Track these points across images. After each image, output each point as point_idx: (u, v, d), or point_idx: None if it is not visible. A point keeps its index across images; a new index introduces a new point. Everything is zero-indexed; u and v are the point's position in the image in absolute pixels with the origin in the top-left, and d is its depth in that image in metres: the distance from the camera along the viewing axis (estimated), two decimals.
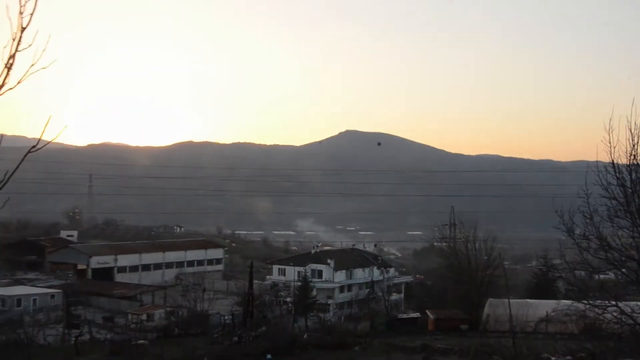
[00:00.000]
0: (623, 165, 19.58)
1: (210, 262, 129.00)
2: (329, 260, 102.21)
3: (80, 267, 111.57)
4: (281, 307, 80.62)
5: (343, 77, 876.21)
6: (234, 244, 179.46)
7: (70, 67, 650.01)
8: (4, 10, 7.48)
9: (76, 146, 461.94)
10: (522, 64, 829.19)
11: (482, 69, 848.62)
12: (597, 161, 19.89)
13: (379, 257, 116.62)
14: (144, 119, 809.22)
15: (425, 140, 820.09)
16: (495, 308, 64.43)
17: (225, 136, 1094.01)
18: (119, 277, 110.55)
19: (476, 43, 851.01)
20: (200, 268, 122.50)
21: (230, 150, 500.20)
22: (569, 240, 20.92)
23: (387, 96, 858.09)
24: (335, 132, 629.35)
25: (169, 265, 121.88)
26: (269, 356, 47.42)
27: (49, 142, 7.99)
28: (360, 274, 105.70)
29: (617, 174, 19.49)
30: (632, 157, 19.26)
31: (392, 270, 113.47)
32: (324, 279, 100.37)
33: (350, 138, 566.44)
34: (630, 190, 19.55)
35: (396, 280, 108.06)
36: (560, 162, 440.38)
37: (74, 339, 58.12)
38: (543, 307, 62.56)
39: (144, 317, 76.93)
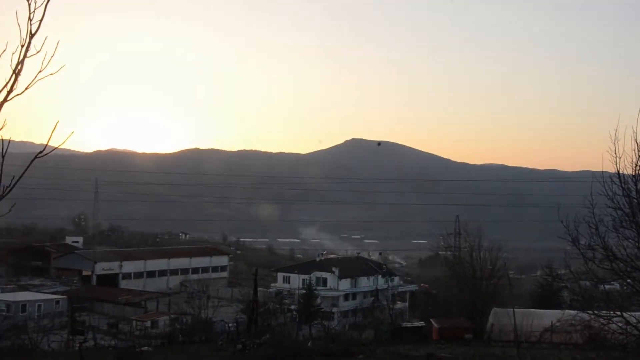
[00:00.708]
0: (629, 175, 19.58)
1: (215, 269, 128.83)
2: (333, 268, 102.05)
3: (85, 273, 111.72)
4: (285, 315, 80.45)
5: (349, 85, 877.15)
6: (238, 251, 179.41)
7: (78, 73, 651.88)
8: (13, 17, 7.51)
9: (82, 152, 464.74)
10: (528, 73, 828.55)
11: (487, 79, 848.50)
12: (602, 171, 19.81)
13: (384, 266, 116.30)
14: (150, 125, 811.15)
15: (431, 149, 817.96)
16: (499, 317, 64.08)
17: (230, 143, 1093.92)
18: (124, 284, 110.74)
19: (482, 52, 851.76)
20: (205, 275, 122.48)
21: (235, 158, 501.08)
22: (574, 250, 20.88)
23: (392, 104, 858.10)
24: (340, 140, 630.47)
25: (173, 272, 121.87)
26: None
27: (55, 148, 8.00)
28: (365, 283, 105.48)
29: (623, 185, 19.48)
30: (638, 167, 19.27)
31: (396, 278, 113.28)
32: (328, 287, 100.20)
33: (355, 146, 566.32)
34: (635, 200, 19.55)
35: (401, 289, 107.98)
36: (565, 172, 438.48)
37: (78, 345, 58.01)
38: (548, 317, 62.20)
39: (148, 323, 76.89)
